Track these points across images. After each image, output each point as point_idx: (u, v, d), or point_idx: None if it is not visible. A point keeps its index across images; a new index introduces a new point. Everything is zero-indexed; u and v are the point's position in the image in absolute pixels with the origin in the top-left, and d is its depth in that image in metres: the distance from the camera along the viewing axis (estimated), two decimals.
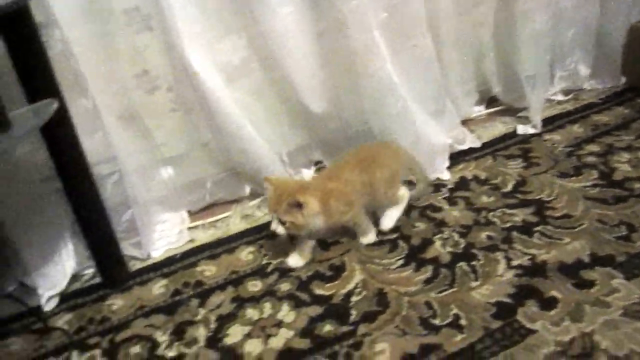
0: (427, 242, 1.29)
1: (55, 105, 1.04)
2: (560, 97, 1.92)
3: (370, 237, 1.32)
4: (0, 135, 0.91)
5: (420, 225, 1.36)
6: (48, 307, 1.26)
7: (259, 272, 1.27)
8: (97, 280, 1.33)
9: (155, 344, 1.11)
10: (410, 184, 1.44)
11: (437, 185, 1.51)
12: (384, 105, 1.43)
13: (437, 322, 1.06)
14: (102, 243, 1.29)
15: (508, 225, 1.31)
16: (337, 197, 1.23)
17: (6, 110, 0.94)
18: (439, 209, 1.41)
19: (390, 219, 1.34)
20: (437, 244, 1.29)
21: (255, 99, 1.49)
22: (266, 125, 1.51)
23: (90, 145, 1.22)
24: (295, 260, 1.27)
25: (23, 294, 1.30)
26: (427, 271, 1.20)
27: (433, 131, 1.54)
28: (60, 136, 1.14)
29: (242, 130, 1.41)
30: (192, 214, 1.53)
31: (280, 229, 1.21)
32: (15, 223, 1.26)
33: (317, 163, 1.67)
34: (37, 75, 1.08)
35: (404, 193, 1.37)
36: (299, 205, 1.18)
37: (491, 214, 1.36)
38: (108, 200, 1.28)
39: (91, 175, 1.22)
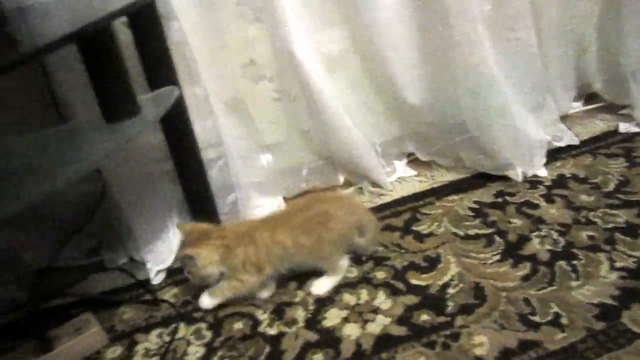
0: (524, 239, 1.28)
1: (176, 92, 1.10)
2: None
3: (209, 302, 1.22)
4: (130, 120, 0.98)
5: (517, 222, 1.34)
6: (156, 280, 1.34)
7: (355, 259, 1.29)
8: None
9: (256, 322, 1.16)
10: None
11: (534, 182, 1.49)
12: (483, 99, 1.42)
13: (536, 319, 1.05)
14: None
15: (610, 226, 1.27)
16: (246, 251, 1.18)
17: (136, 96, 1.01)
18: (535, 206, 1.39)
19: (324, 286, 1.23)
20: (535, 241, 1.27)
21: (352, 89, 1.51)
22: (361, 115, 1.53)
23: (201, 130, 1.29)
24: (205, 300, 1.23)
25: (133, 267, 1.40)
26: (525, 268, 1.19)
27: (532, 127, 1.50)
28: (176, 122, 1.22)
29: (340, 119, 1.45)
30: (287, 200, 1.57)
31: (189, 276, 1.22)
32: (129, 202, 1.35)
33: (409, 155, 1.68)
34: (159, 64, 1.15)
35: (344, 264, 1.26)
36: (191, 258, 1.17)
37: (592, 213, 1.33)
38: (214, 183, 1.35)
39: (201, 159, 1.29)
